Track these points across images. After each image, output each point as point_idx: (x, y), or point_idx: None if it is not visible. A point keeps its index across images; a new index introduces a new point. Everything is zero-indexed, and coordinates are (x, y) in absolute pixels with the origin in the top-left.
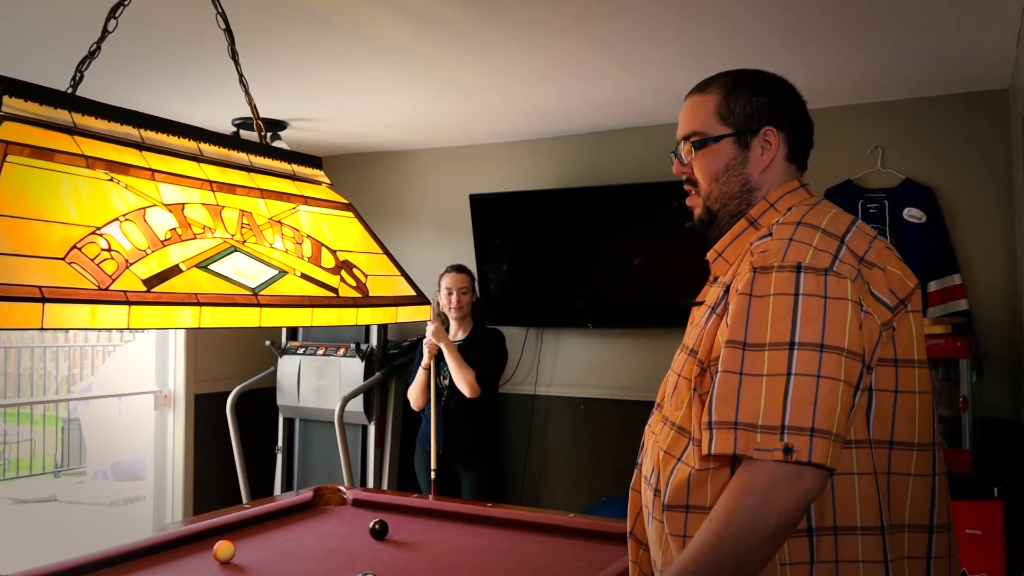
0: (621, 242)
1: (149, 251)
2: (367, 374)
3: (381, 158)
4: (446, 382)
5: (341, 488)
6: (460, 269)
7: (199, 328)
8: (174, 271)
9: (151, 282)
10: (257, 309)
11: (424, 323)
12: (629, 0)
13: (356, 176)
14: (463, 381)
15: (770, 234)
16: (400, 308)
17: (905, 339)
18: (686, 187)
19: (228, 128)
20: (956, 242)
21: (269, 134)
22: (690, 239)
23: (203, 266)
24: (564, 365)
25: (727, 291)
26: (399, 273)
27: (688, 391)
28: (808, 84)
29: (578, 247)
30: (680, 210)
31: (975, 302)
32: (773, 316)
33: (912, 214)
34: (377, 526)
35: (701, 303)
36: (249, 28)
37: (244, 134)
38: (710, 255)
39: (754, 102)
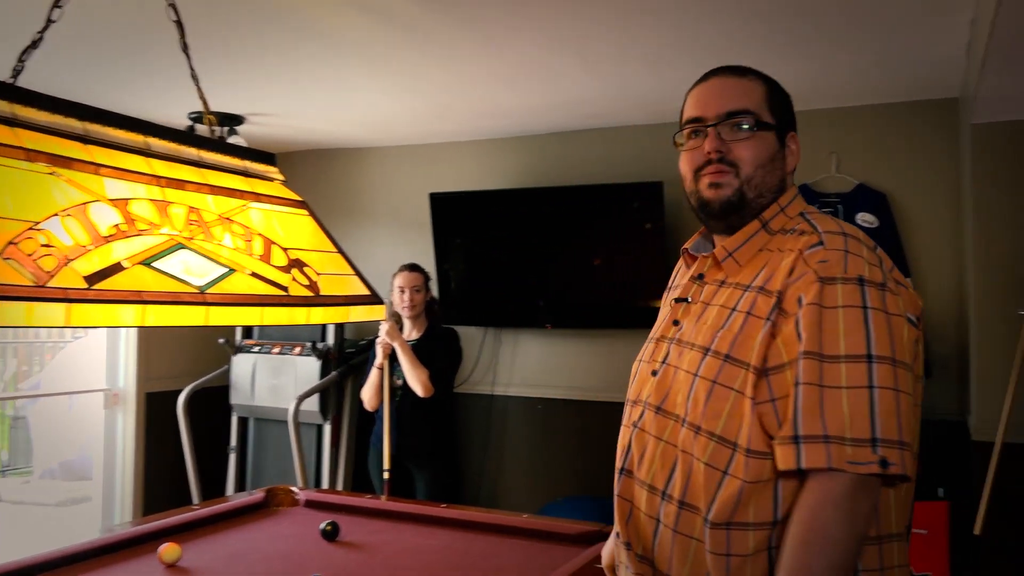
0: (581, 243)
1: (91, 247)
2: (323, 373)
3: (340, 155)
4: (400, 382)
5: (293, 489)
6: (413, 268)
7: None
8: (117, 268)
9: (92, 279)
10: (204, 308)
11: (377, 322)
12: (589, 2)
13: (315, 173)
14: (416, 380)
15: (821, 243)
16: (353, 308)
17: (919, 357)
18: (718, 167)
19: (184, 122)
20: (907, 247)
21: (226, 129)
22: (649, 241)
23: (148, 263)
24: (522, 365)
25: (780, 299)
26: (353, 272)
27: (729, 399)
28: None
29: (538, 247)
30: (640, 211)
31: (924, 305)
32: (845, 328)
33: (865, 219)
34: (328, 527)
35: (686, 300)
36: (206, 21)
37: (201, 129)
38: (718, 252)
39: (788, 104)
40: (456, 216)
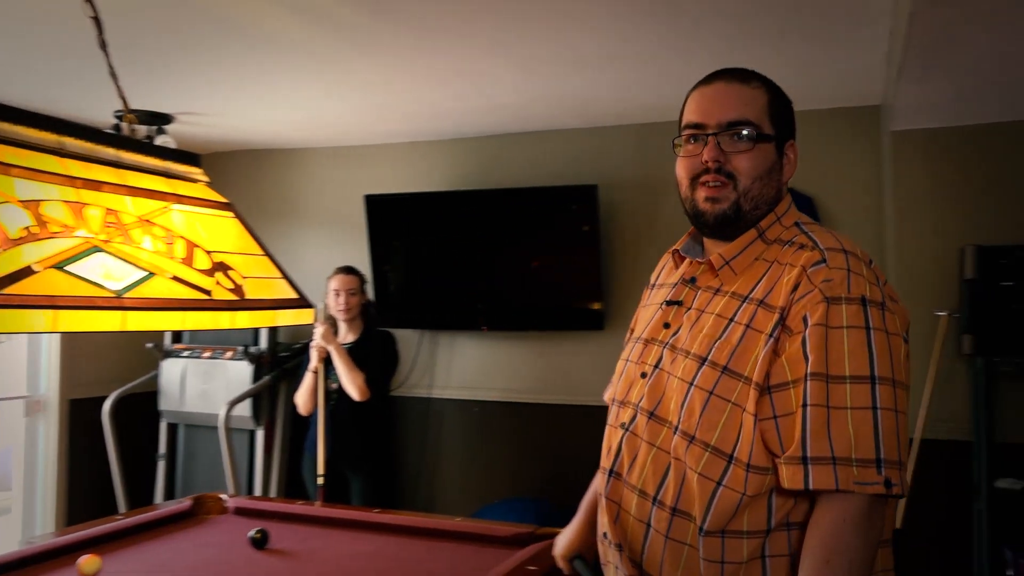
0: (517, 245)
1: None
2: (256, 378)
3: (274, 156)
4: (335, 386)
5: (223, 496)
6: (349, 271)
7: (55, 332)
8: (26, 272)
9: (0, 283)
10: (121, 312)
11: (312, 326)
12: (524, 6)
13: (248, 174)
14: (352, 384)
15: (824, 260)
16: (280, 312)
17: (908, 369)
18: (714, 177)
19: (110, 121)
20: None
21: (154, 128)
22: (585, 243)
23: (61, 267)
24: (459, 368)
25: (783, 316)
26: (280, 275)
27: (725, 412)
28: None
29: (475, 250)
30: (577, 213)
31: None
32: (850, 349)
33: None
34: (257, 535)
35: (678, 303)
36: (133, 19)
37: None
38: (715, 260)
39: (790, 113)
40: (392, 218)
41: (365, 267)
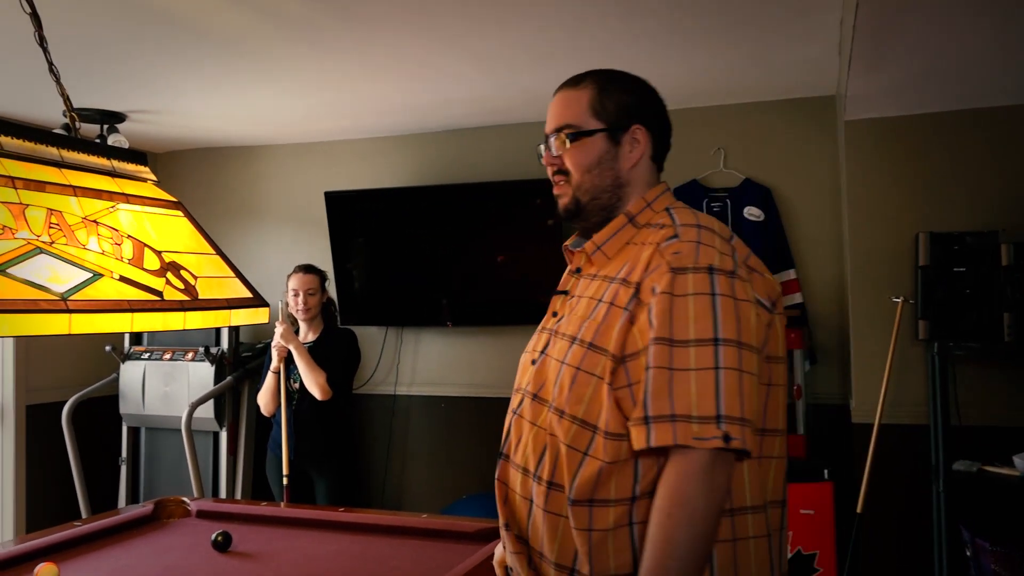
0: (482, 240)
1: None
2: (217, 379)
3: (231, 153)
4: (296, 385)
5: (185, 499)
6: (308, 269)
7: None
8: None
9: None
10: (66, 315)
11: (273, 325)
12: (475, 0)
13: (205, 172)
14: (314, 383)
15: (676, 235)
16: (234, 311)
17: (775, 338)
18: (556, 178)
19: (60, 120)
20: (791, 239)
21: (105, 127)
22: (550, 237)
23: (2, 269)
24: (424, 364)
25: (638, 289)
26: (234, 274)
27: (590, 385)
28: (655, 85)
29: (439, 246)
30: (541, 208)
31: (808, 296)
32: (695, 314)
33: (752, 212)
34: (220, 538)
35: (565, 292)
36: (80, 16)
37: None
38: (588, 247)
39: (626, 100)
40: (354, 215)
41: (327, 264)
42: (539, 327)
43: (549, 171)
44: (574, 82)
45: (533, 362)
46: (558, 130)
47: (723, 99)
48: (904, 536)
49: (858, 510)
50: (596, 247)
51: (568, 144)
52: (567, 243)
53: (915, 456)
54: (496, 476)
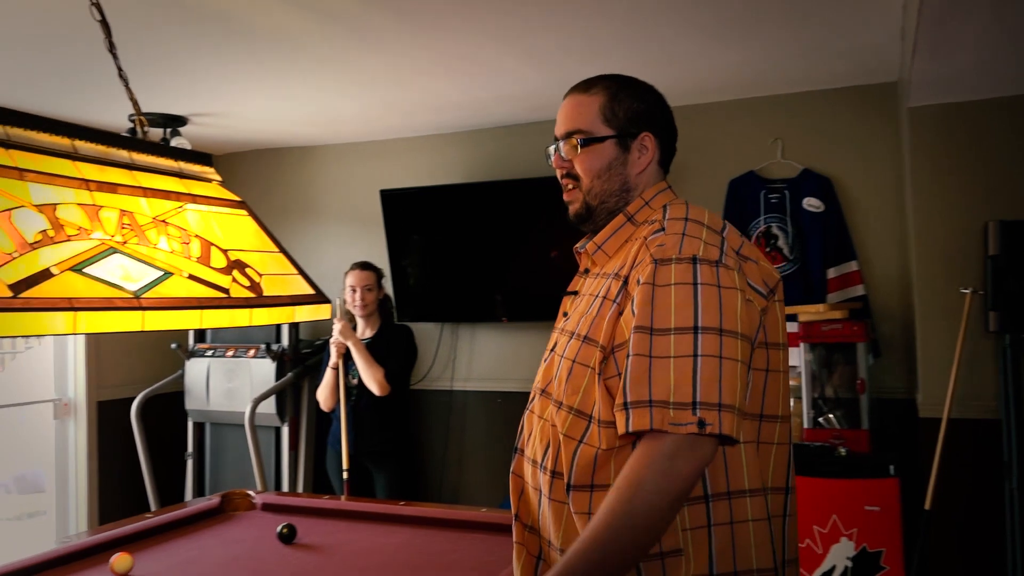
0: (535, 235)
1: (16, 254)
2: (279, 375)
3: (287, 154)
4: (355, 381)
5: (250, 492)
6: (365, 266)
7: (85, 335)
8: (45, 275)
9: (18, 287)
10: (140, 312)
11: (331, 322)
12: None
13: (263, 173)
14: (372, 379)
15: (663, 229)
16: (298, 307)
17: (773, 325)
18: (565, 181)
19: (125, 125)
20: (852, 230)
21: (168, 130)
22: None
23: (78, 269)
24: (480, 359)
25: (626, 282)
26: (296, 271)
27: (585, 376)
28: (709, 77)
29: (492, 241)
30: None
31: (871, 287)
32: (676, 303)
33: (811, 203)
34: (285, 530)
35: (574, 293)
36: (143, 22)
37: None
38: (589, 247)
39: (636, 108)
40: (409, 212)
41: (383, 261)
42: (553, 328)
43: (558, 174)
44: (585, 87)
45: (545, 360)
46: (569, 134)
47: (779, 88)
48: (974, 534)
49: (926, 507)
50: (597, 247)
51: (579, 149)
52: (577, 245)
53: (986, 452)
54: (511, 470)
